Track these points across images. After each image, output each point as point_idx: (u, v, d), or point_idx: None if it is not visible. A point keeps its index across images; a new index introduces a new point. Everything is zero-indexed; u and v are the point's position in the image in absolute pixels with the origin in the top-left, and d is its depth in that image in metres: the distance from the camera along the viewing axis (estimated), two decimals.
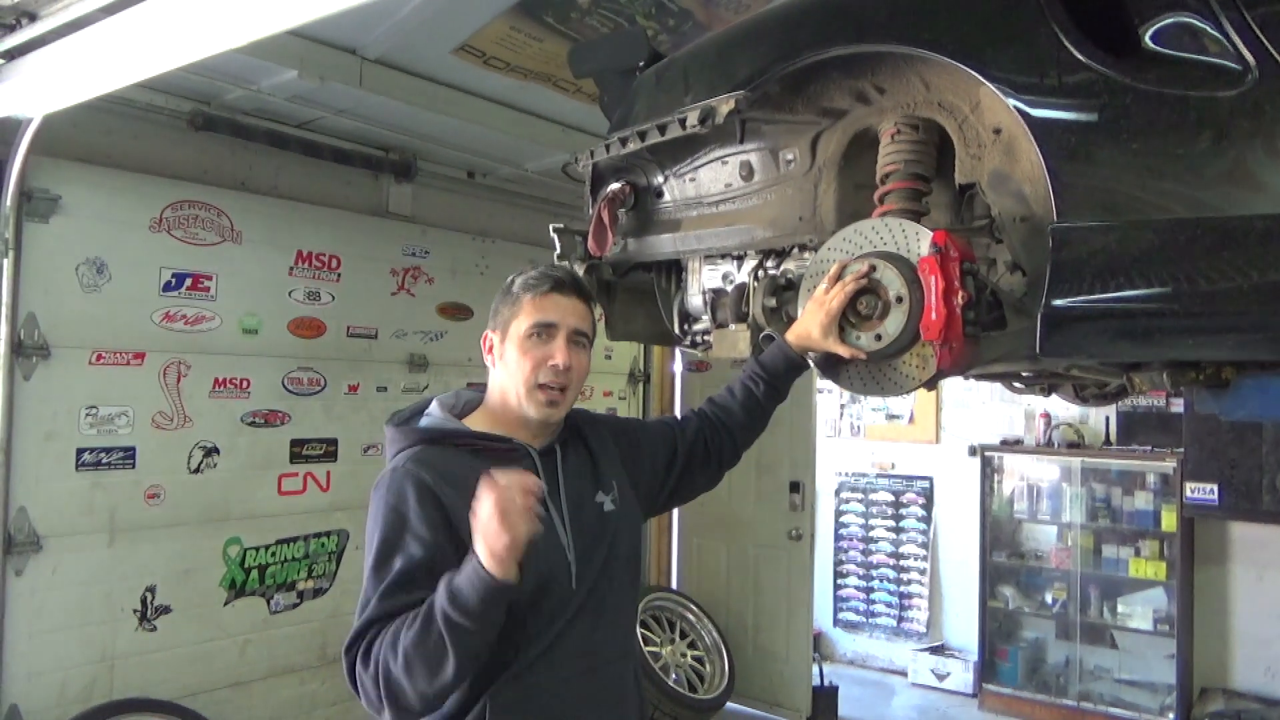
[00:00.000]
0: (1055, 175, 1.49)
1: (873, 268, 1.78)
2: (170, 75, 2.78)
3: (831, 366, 1.92)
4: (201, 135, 3.78)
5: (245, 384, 3.90)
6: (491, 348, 1.79)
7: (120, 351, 3.52)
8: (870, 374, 1.85)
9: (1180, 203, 1.42)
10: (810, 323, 1.84)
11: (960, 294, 1.66)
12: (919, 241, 1.73)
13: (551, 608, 1.63)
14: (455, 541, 1.55)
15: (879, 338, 1.79)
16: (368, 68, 3.48)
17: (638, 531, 1.88)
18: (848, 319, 1.83)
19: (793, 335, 1.91)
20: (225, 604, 3.84)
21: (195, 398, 3.73)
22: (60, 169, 3.36)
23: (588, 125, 4.23)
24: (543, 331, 1.71)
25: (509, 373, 1.73)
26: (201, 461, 3.76)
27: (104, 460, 3.48)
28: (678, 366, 6.27)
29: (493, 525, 1.39)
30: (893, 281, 1.75)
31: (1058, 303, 1.46)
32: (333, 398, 4.22)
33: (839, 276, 1.80)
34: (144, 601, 3.58)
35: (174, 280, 3.67)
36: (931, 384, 1.82)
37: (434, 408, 1.79)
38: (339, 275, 4.23)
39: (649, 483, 1.93)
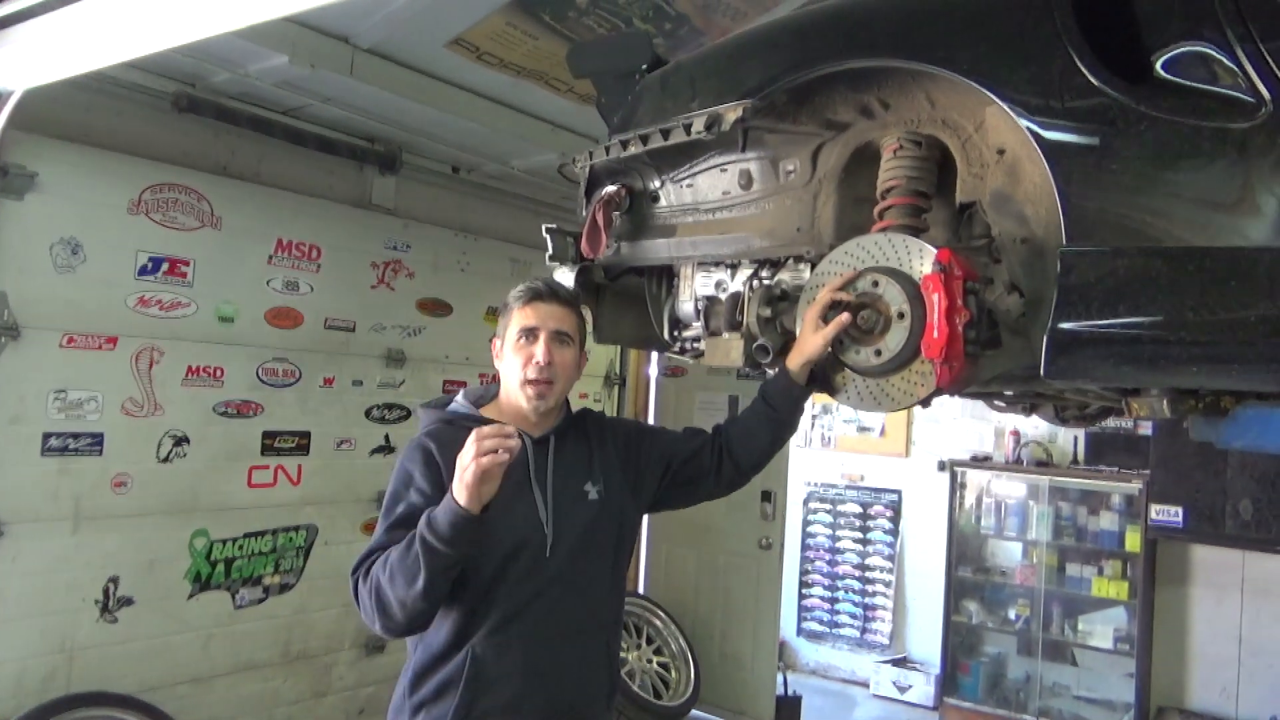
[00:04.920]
0: (1066, 198, 1.49)
1: (875, 283, 1.78)
2: (156, 55, 2.72)
3: (829, 381, 1.93)
4: (185, 117, 3.69)
5: (219, 373, 3.82)
6: (497, 352, 2.08)
7: (92, 335, 3.43)
8: (868, 389, 1.85)
9: (1190, 231, 1.43)
10: (807, 341, 1.88)
11: (963, 313, 1.66)
12: (922, 259, 1.73)
13: (525, 571, 1.88)
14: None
15: (879, 353, 1.79)
16: (359, 56, 3.43)
17: (621, 523, 2.05)
18: (848, 333, 1.83)
19: (791, 356, 1.95)
20: (189, 597, 3.76)
21: (167, 385, 3.65)
22: (38, 145, 3.27)
23: (577, 125, 4.21)
24: (527, 335, 1.98)
25: (507, 371, 2.02)
26: (171, 451, 3.68)
27: (71, 446, 3.39)
28: (653, 371, 6.26)
29: (465, 458, 1.68)
30: (895, 297, 1.75)
31: (1064, 325, 1.46)
32: (307, 390, 4.15)
33: (844, 286, 1.81)
34: (106, 592, 3.50)
35: (150, 264, 3.59)
36: (928, 401, 1.83)
37: (460, 396, 2.11)
38: (319, 266, 4.17)
39: (647, 483, 2.12)
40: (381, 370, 4.47)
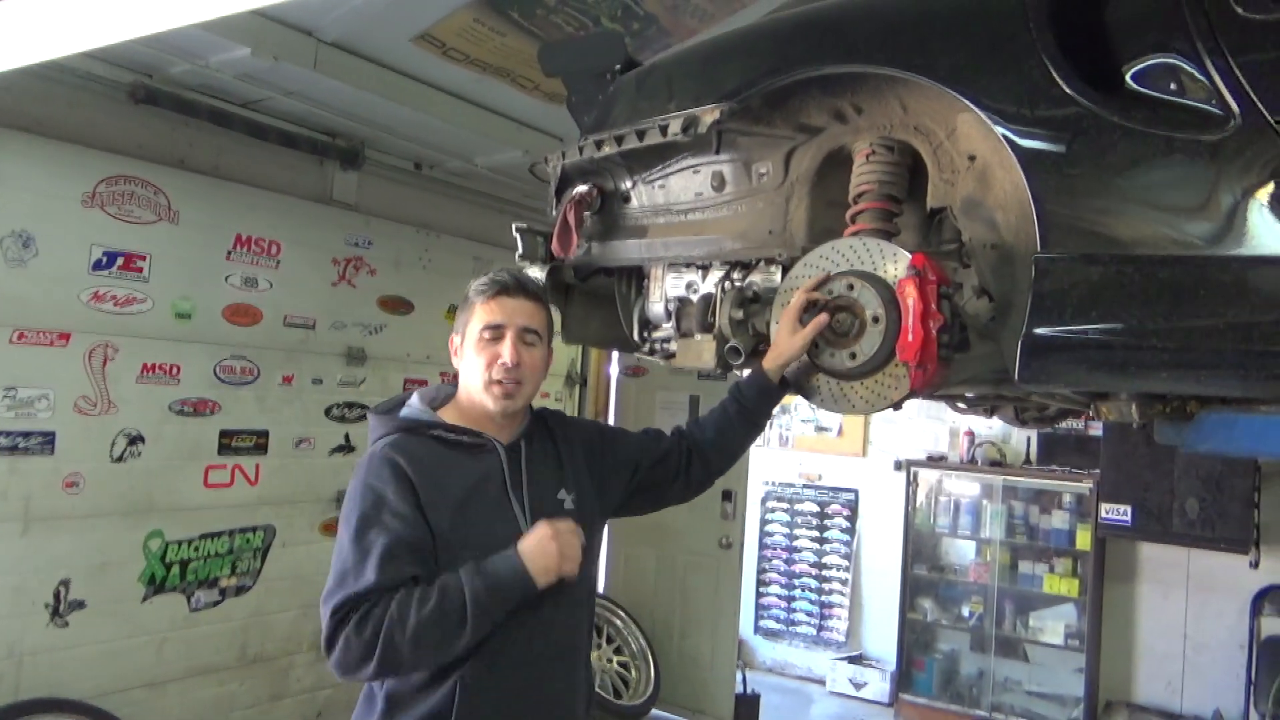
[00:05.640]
0: (1041, 205, 1.51)
1: (850, 286, 1.80)
2: (115, 44, 2.64)
3: (802, 383, 1.94)
4: (141, 108, 3.61)
5: (175, 370, 3.75)
6: (456, 350, 1.93)
7: (44, 331, 3.35)
8: (842, 392, 1.86)
9: (1161, 240, 1.46)
10: (785, 343, 1.86)
11: (936, 317, 1.68)
12: (897, 263, 1.75)
13: None
14: (424, 519, 1.72)
15: (853, 356, 1.80)
16: (323, 50, 3.38)
17: (592, 532, 1.94)
18: (823, 336, 1.84)
19: (768, 358, 1.93)
20: (143, 600, 3.68)
21: (121, 383, 3.57)
22: None
23: (542, 123, 4.19)
24: (492, 332, 1.85)
25: (469, 371, 1.88)
26: (125, 450, 3.60)
27: (20, 445, 3.30)
28: (614, 370, 6.26)
29: (552, 549, 1.70)
30: (870, 301, 1.77)
31: (1039, 331, 1.48)
32: (266, 388, 4.09)
33: (817, 287, 1.82)
34: (57, 595, 3.41)
35: (105, 259, 3.50)
36: (900, 404, 1.85)
37: (414, 400, 1.93)
38: (278, 262, 4.10)
39: (613, 488, 2.02)
40: (342, 368, 4.41)
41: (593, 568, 2.01)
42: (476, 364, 1.85)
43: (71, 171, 3.41)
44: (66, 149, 3.41)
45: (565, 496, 1.90)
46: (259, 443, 4.07)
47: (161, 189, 3.68)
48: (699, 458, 2.06)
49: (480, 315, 1.86)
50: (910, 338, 1.68)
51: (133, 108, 3.61)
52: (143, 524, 3.68)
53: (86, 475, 3.49)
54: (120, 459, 3.59)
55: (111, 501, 3.57)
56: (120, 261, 3.55)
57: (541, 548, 1.70)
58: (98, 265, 3.49)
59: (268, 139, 4.05)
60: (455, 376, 1.95)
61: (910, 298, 1.68)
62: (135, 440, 3.63)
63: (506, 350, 1.83)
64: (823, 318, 1.80)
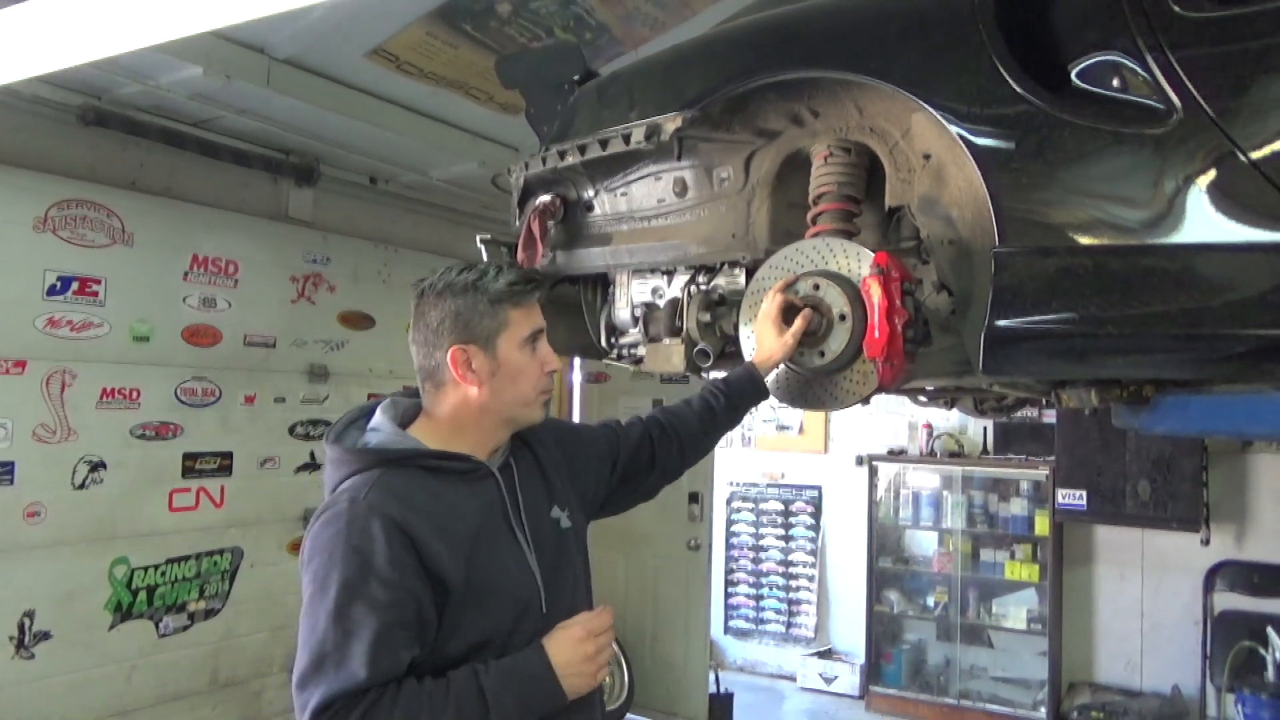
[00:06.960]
0: (997, 200, 1.57)
1: (816, 286, 1.84)
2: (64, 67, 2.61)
3: (774, 383, 1.98)
4: (92, 130, 3.56)
5: (135, 394, 3.70)
6: (469, 363, 1.59)
7: None
8: (812, 389, 1.91)
9: (1113, 231, 1.53)
10: (773, 344, 1.86)
11: (901, 313, 1.73)
12: (860, 262, 1.80)
13: (526, 636, 1.54)
14: (427, 578, 1.44)
15: (822, 354, 1.85)
16: (276, 68, 3.36)
17: (586, 544, 1.80)
18: None
19: (758, 358, 1.92)
20: (110, 628, 3.62)
21: (81, 409, 3.52)
22: None
23: (497, 135, 4.21)
24: (535, 337, 1.65)
25: (506, 386, 1.62)
26: (87, 477, 3.54)
27: None
28: (576, 377, 6.27)
29: (589, 669, 1.51)
30: (836, 300, 1.82)
31: (1000, 323, 1.54)
32: (228, 409, 4.05)
33: (787, 288, 1.86)
34: (21, 628, 3.34)
35: (60, 284, 3.45)
36: (869, 399, 1.90)
37: (381, 421, 1.63)
38: (236, 281, 4.07)
39: (592, 491, 1.86)
40: (304, 386, 4.38)
41: (591, 583, 1.83)
42: (526, 375, 1.63)
43: (21, 196, 3.36)
44: (16, 174, 3.36)
45: (560, 514, 1.70)
46: (223, 464, 4.02)
47: (115, 211, 3.63)
48: (674, 448, 1.93)
49: (519, 321, 1.62)
50: (877, 334, 1.73)
51: (83, 130, 3.56)
52: (107, 551, 3.62)
53: (48, 504, 3.43)
54: (82, 486, 3.53)
55: (75, 530, 3.51)
56: (75, 286, 3.50)
57: (578, 667, 1.50)
58: (52, 290, 3.44)
59: (221, 158, 4.01)
60: (411, 391, 1.72)
61: (875, 295, 1.73)
62: (97, 467, 3.58)
63: (551, 356, 1.67)
64: (809, 312, 1.82)
